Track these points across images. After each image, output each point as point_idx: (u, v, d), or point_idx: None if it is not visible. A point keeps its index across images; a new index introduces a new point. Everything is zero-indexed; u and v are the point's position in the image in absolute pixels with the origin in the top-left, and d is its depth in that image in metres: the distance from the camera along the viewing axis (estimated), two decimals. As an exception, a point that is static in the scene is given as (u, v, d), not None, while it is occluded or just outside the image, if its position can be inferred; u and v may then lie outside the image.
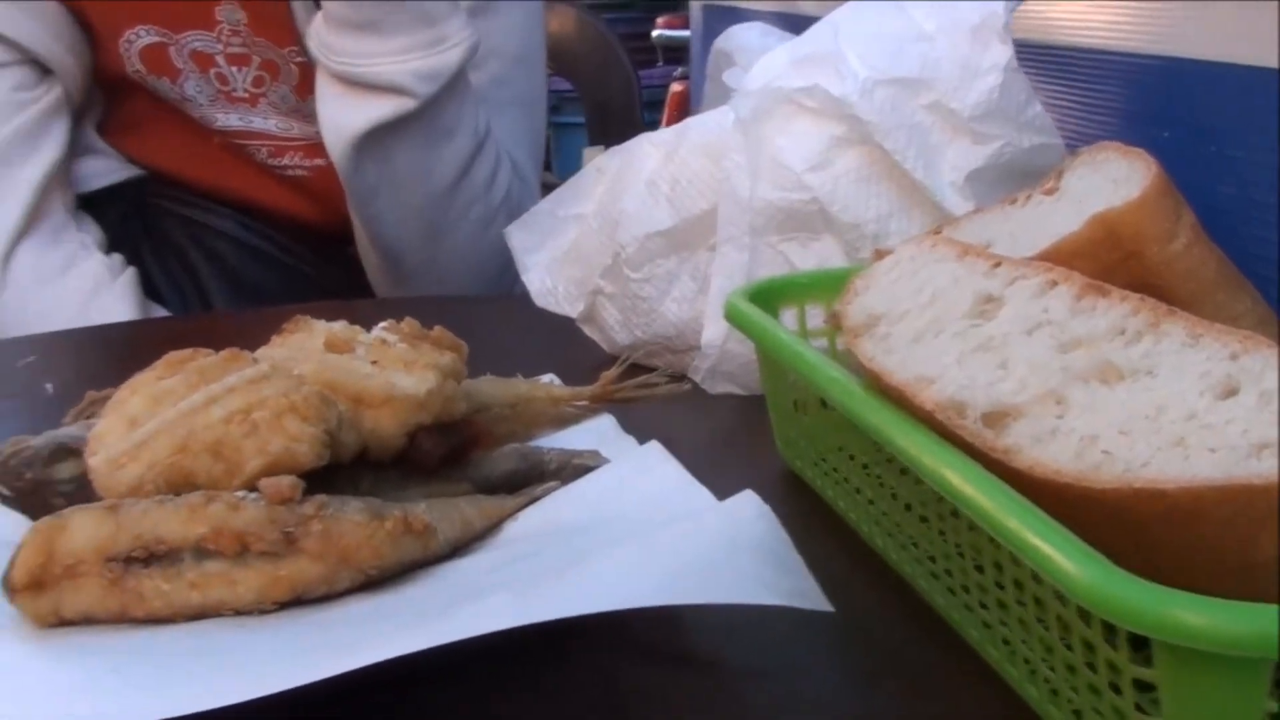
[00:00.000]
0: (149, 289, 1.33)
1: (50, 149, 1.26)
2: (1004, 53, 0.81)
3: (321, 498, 0.57)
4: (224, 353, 0.62)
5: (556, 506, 0.65)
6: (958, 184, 0.81)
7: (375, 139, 1.16)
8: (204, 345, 0.64)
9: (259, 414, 0.59)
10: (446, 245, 1.23)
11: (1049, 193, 0.67)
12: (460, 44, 1.15)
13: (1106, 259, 0.58)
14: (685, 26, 4.48)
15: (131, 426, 0.59)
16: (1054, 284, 0.54)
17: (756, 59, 0.94)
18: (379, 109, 1.14)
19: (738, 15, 3.14)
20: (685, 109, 3.95)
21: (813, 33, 0.91)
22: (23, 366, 0.99)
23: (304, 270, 1.42)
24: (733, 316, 0.74)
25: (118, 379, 0.76)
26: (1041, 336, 0.52)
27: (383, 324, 0.69)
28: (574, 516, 0.62)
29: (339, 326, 0.68)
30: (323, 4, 1.16)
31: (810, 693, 0.55)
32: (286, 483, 0.57)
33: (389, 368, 0.65)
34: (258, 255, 1.41)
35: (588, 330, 0.98)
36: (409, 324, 0.69)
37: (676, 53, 5.14)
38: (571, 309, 0.98)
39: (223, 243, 1.40)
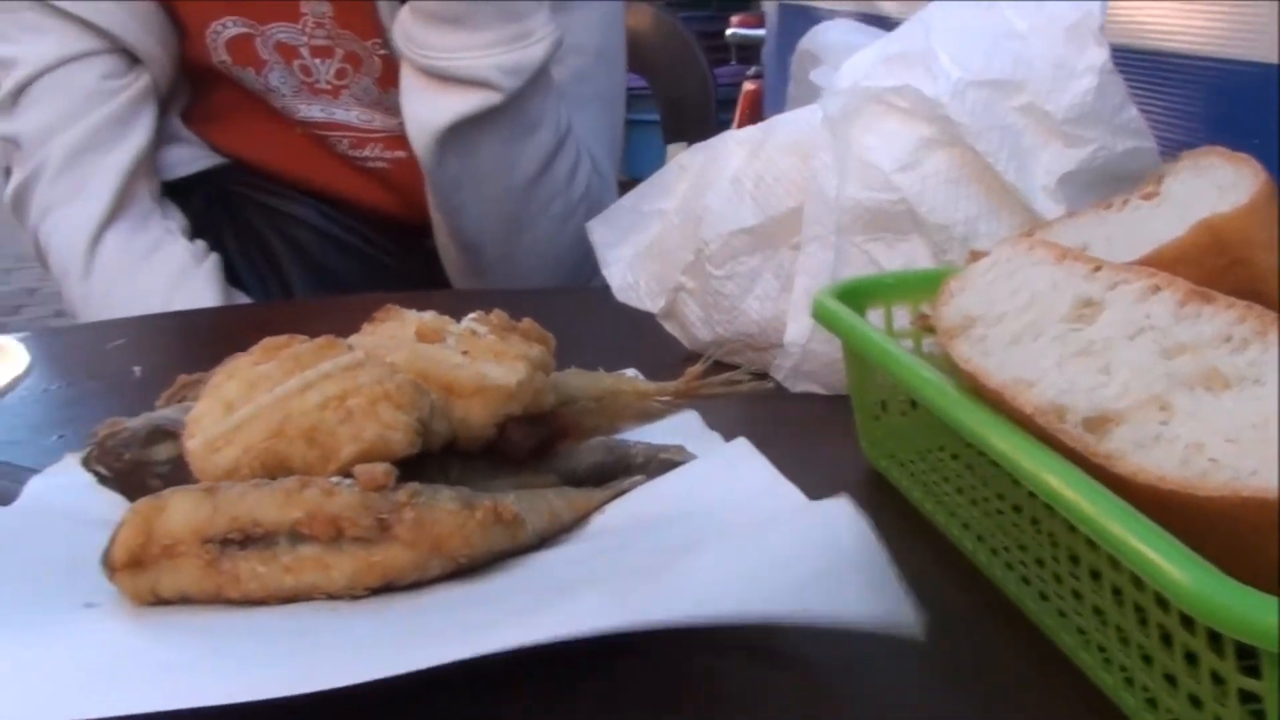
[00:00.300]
0: (231, 276, 1.34)
1: (137, 136, 1.28)
2: (1099, 54, 0.81)
3: (414, 485, 0.58)
4: (319, 340, 0.62)
5: (643, 501, 0.65)
6: (1049, 187, 0.80)
7: (459, 133, 1.16)
8: (287, 331, 0.65)
9: (353, 401, 0.59)
10: (526, 239, 1.24)
11: (1148, 197, 0.66)
12: (544, 39, 1.16)
13: (1211, 265, 0.57)
14: (759, 26, 4.49)
15: (228, 410, 0.60)
16: (1157, 289, 0.53)
17: (844, 57, 0.94)
18: (464, 103, 1.15)
19: (813, 15, 3.14)
20: (758, 108, 3.94)
21: (903, 31, 0.90)
22: (112, 349, 1.00)
23: (383, 260, 1.43)
24: (821, 315, 0.73)
25: (204, 363, 0.77)
26: (1144, 342, 0.52)
27: (472, 315, 0.70)
28: (661, 511, 0.62)
29: (429, 316, 0.69)
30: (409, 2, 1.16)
31: (894, 694, 0.54)
32: (381, 469, 0.57)
33: (480, 358, 0.66)
34: (338, 244, 1.42)
35: (668, 326, 0.98)
36: (498, 315, 0.69)
37: (748, 52, 5.15)
38: (652, 304, 0.98)
39: (303, 231, 1.41)
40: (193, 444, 0.59)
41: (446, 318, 0.69)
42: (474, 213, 1.23)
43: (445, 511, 0.57)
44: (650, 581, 0.50)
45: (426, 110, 1.17)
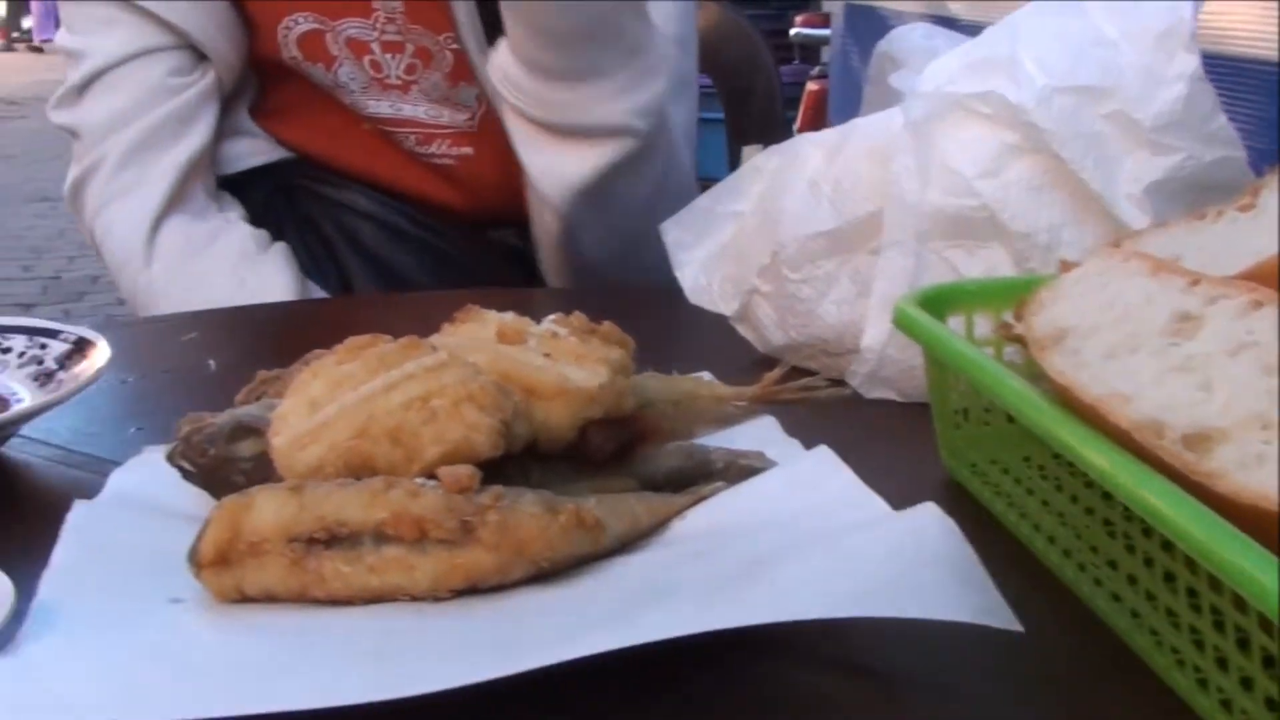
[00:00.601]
0: None
1: (198, 134, 1.28)
2: (1190, 61, 0.79)
3: (498, 489, 0.58)
4: (403, 340, 0.62)
5: (724, 507, 0.64)
6: (1135, 196, 0.79)
7: (598, 181, 1.15)
8: (358, 326, 0.65)
9: (437, 402, 0.59)
10: (642, 251, 1.23)
11: (1244, 209, 0.65)
12: (663, 60, 1.14)
13: (1312, 281, 0.56)
14: (824, 25, 4.47)
15: (313, 409, 0.60)
16: (1259, 304, 0.52)
17: (924, 61, 0.93)
18: (602, 155, 1.13)
19: (879, 15, 3.13)
20: (822, 107, 3.93)
21: (987, 36, 0.89)
22: (185, 342, 1.01)
23: (448, 254, 1.43)
24: (902, 322, 0.73)
25: (278, 358, 0.78)
26: (1247, 359, 0.51)
27: (552, 317, 0.70)
28: (743, 519, 0.62)
29: (510, 317, 0.69)
30: (519, 55, 1.13)
31: (972, 706, 0.54)
32: (465, 472, 0.57)
33: (561, 360, 0.65)
34: (400, 238, 1.42)
35: (741, 329, 0.97)
36: (578, 318, 0.69)
37: (811, 51, 5.13)
38: (726, 307, 0.98)
39: (367, 225, 1.41)
40: (278, 441, 0.60)
41: (527, 319, 0.69)
42: (596, 237, 1.23)
43: (528, 515, 0.57)
44: (738, 588, 0.50)
45: (560, 166, 1.16)
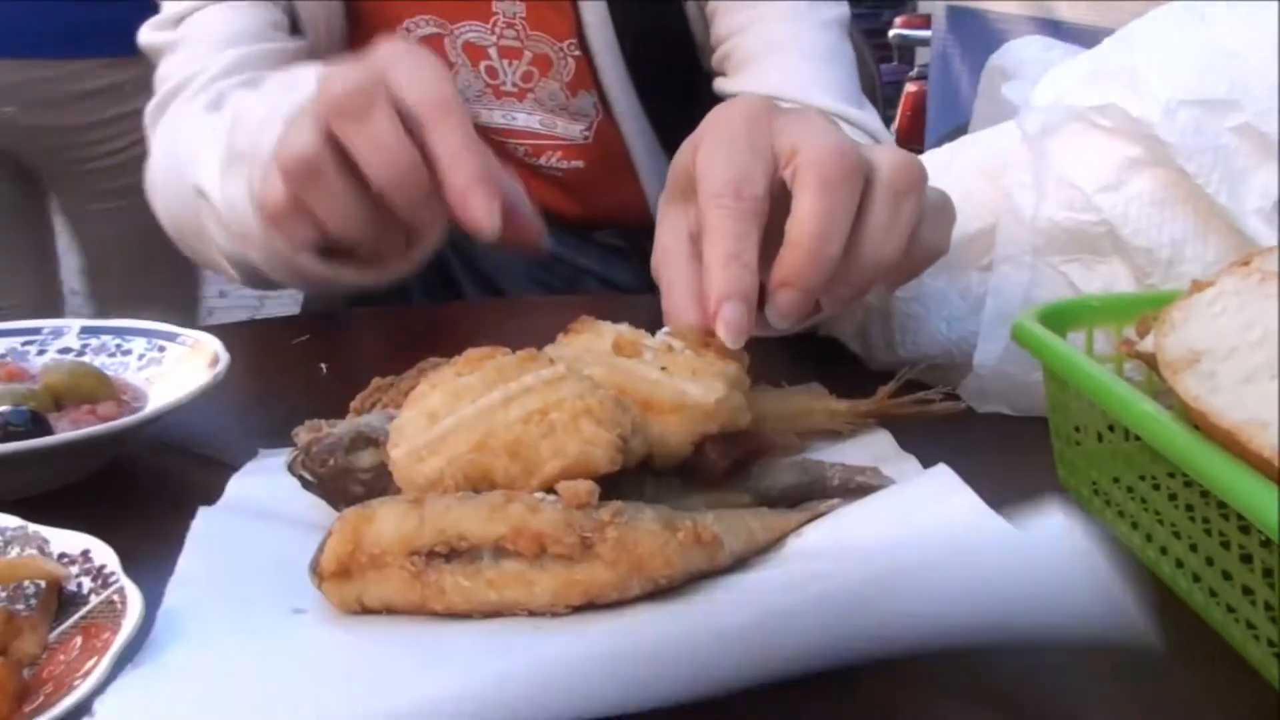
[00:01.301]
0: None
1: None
2: (1321, 74, 0.77)
3: (617, 504, 0.57)
4: (521, 353, 0.62)
5: (842, 525, 0.64)
6: (1264, 211, 0.77)
7: None
8: (467, 333, 0.65)
9: (555, 415, 0.59)
10: None
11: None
12: None
13: None
14: (923, 26, 4.43)
15: (431, 421, 0.60)
16: (1405, 330, 0.51)
17: (1039, 73, 0.91)
18: None
19: (982, 17, 3.09)
20: (921, 109, 3.90)
21: (1106, 47, 0.88)
22: (297, 345, 1.02)
23: (552, 256, 1.43)
24: (1022, 338, 0.71)
25: (389, 362, 0.79)
26: (1393, 387, 0.49)
27: (666, 329, 0.69)
28: (864, 539, 0.61)
29: (625, 329, 0.69)
30: None
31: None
32: (584, 487, 0.57)
33: (677, 374, 0.65)
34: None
35: (851, 345, 0.96)
36: (692, 331, 0.68)
37: (908, 52, 5.09)
38: (837, 325, 0.97)
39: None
40: (397, 453, 0.60)
41: (642, 331, 0.69)
42: None
43: (647, 532, 0.57)
44: (868, 615, 0.49)
45: None
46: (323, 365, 0.98)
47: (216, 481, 0.74)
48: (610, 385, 0.63)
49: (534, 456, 0.59)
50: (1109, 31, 0.90)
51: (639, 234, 1.43)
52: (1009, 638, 0.47)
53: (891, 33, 4.77)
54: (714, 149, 0.68)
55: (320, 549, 0.57)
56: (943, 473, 0.65)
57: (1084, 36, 1.03)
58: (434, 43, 1.27)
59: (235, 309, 4.87)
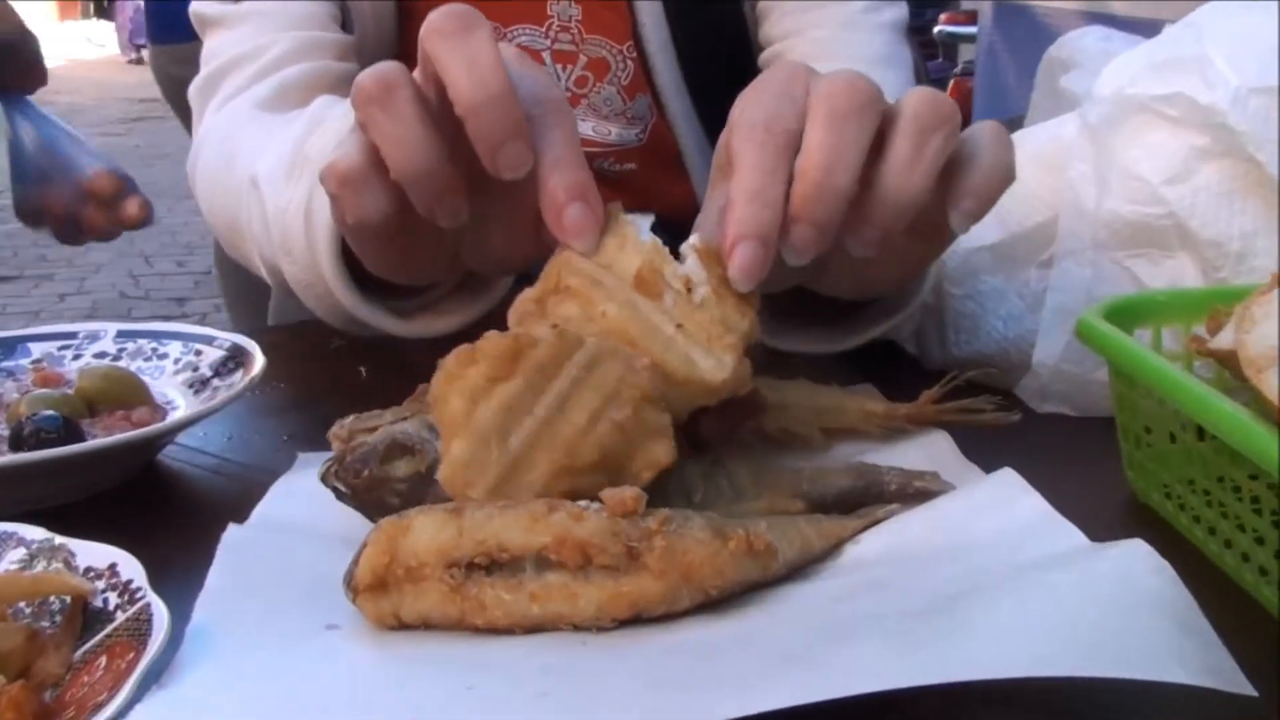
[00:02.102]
0: None
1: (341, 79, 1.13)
2: (1397, 58, 0.74)
3: (665, 512, 0.55)
4: (550, 339, 0.57)
5: (901, 532, 0.61)
6: (1340, 203, 0.74)
7: None
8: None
9: (618, 413, 0.56)
10: None
11: None
12: None
13: None
14: (969, 23, 4.38)
15: (486, 444, 0.56)
16: None
17: (1101, 64, 0.88)
18: None
19: (1031, 13, 3.04)
20: (967, 106, 3.84)
21: (1171, 35, 0.84)
22: (337, 348, 1.00)
23: None
24: (1087, 335, 0.68)
25: (428, 362, 0.76)
26: None
27: (691, 259, 0.64)
28: (925, 547, 0.58)
29: (651, 248, 0.63)
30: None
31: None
32: (631, 495, 0.54)
33: (691, 336, 0.61)
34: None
35: (906, 345, 0.93)
36: (716, 259, 0.64)
37: (950, 49, 5.04)
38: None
39: None
40: (476, 494, 0.56)
41: (666, 254, 0.64)
42: None
43: (696, 541, 0.54)
44: (935, 633, 0.46)
45: None
46: (362, 369, 0.96)
47: (251, 489, 0.72)
48: (621, 335, 0.59)
49: (624, 466, 0.56)
50: (1161, 25, 0.87)
51: (687, 233, 1.40)
52: (1084, 672, 0.43)
53: (936, 29, 4.72)
54: (748, 98, 0.66)
55: (355, 561, 0.54)
56: (1008, 476, 0.62)
57: (1137, 30, 0.99)
58: None
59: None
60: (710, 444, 0.65)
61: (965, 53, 4.93)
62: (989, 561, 0.54)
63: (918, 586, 0.53)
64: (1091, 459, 0.76)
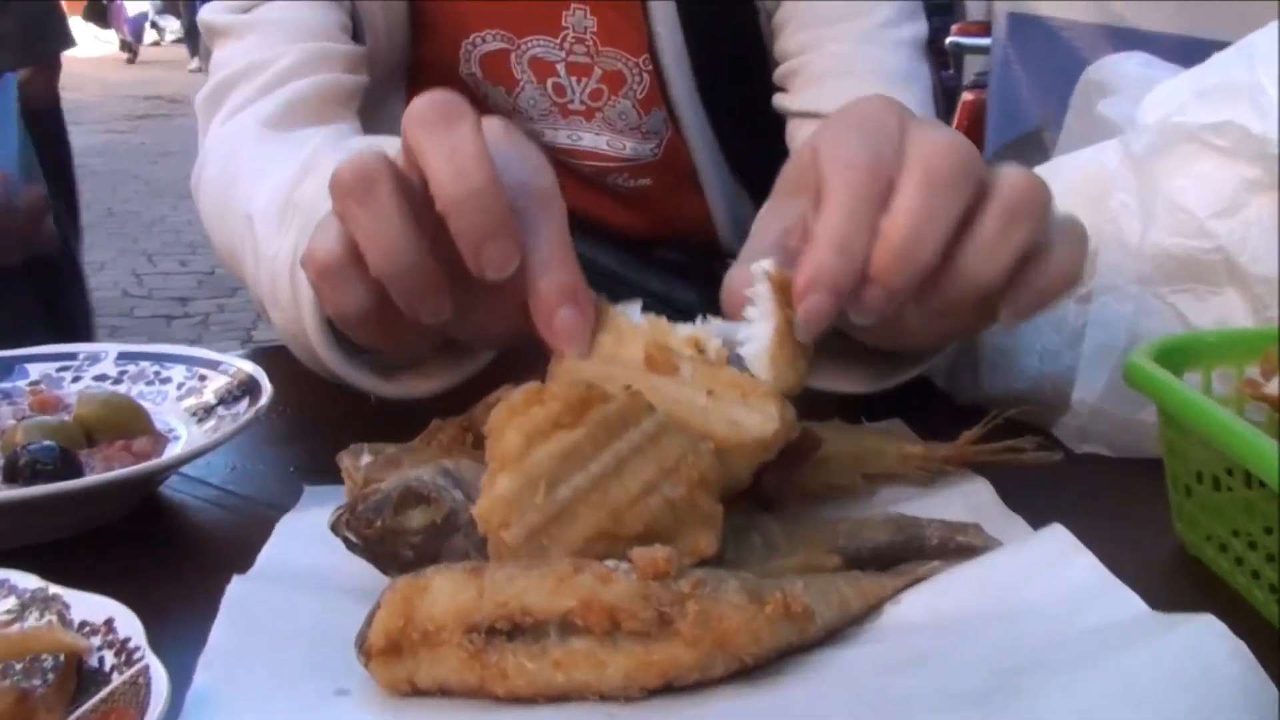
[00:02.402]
0: None
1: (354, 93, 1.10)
2: None
3: (698, 574, 0.51)
4: (623, 398, 0.55)
5: (946, 593, 0.57)
6: (1399, 240, 0.71)
7: None
8: (520, 361, 0.62)
9: (673, 491, 0.54)
10: None
11: None
12: None
13: None
14: (980, 34, 4.33)
15: (535, 488, 0.53)
16: None
17: (1143, 90, 0.85)
18: None
19: (1047, 25, 3.01)
20: (979, 119, 3.81)
21: (1221, 61, 0.81)
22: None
23: (612, 272, 1.37)
24: (1136, 379, 0.65)
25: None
26: None
27: (767, 267, 0.61)
28: (972, 611, 0.55)
29: (647, 327, 0.62)
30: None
31: None
32: (662, 556, 0.51)
33: (725, 398, 0.58)
34: None
35: (938, 380, 0.90)
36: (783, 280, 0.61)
37: (959, 60, 4.99)
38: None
39: None
40: (510, 535, 0.53)
41: (666, 328, 0.62)
42: None
43: (732, 605, 0.51)
44: (987, 714, 0.43)
45: None
46: (371, 395, 0.93)
47: (256, 526, 0.69)
48: None
49: (664, 544, 0.53)
50: (1182, 39, 0.84)
51: (701, 252, 1.38)
52: None
53: (948, 40, 4.67)
54: (842, 129, 0.63)
55: (367, 623, 0.51)
56: (1058, 534, 0.58)
57: (1156, 43, 0.96)
58: (499, 58, 1.20)
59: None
60: (776, 498, 0.63)
61: (972, 64, 4.89)
62: (1044, 632, 0.51)
63: (969, 660, 0.50)
64: (1135, 504, 0.73)
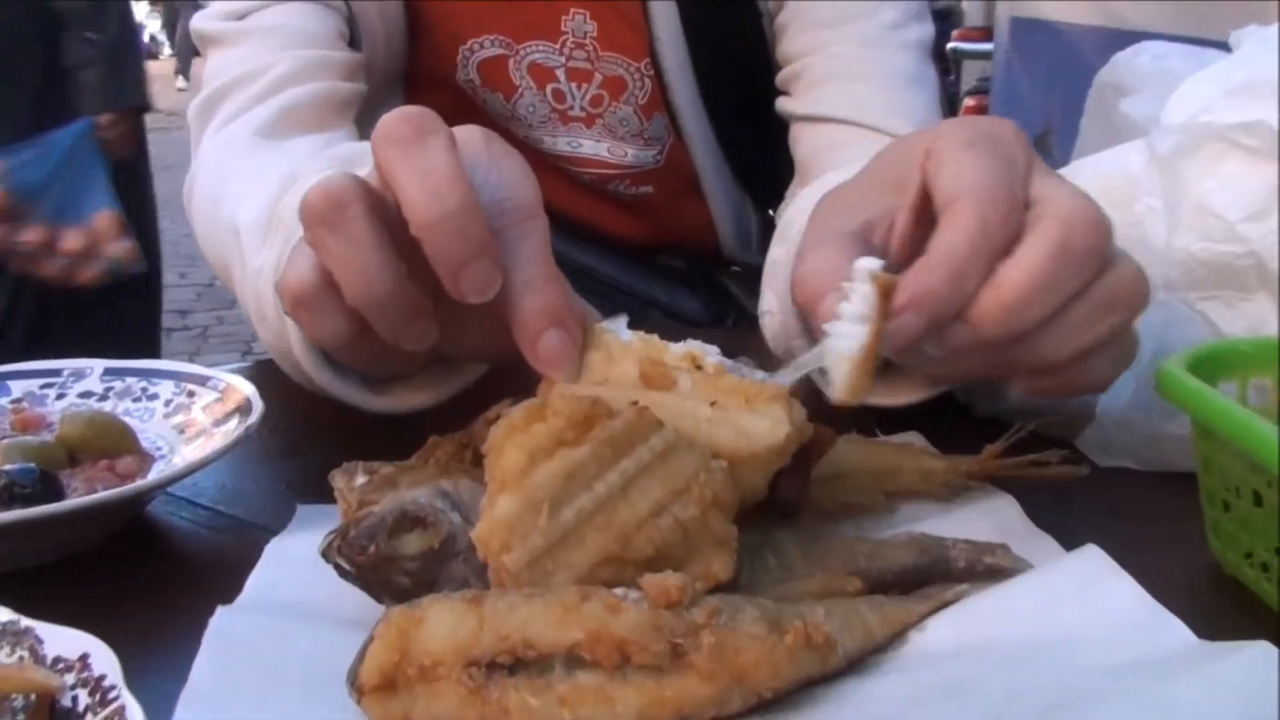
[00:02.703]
0: None
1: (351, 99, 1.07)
2: None
3: (713, 602, 0.48)
4: (630, 414, 0.52)
5: (973, 618, 0.54)
6: None
7: None
8: (519, 375, 0.59)
9: (683, 512, 0.51)
10: None
11: None
12: None
13: None
14: (982, 39, 4.31)
15: (537, 509, 0.49)
16: None
17: (1166, 87, 0.82)
18: None
19: (1051, 29, 2.99)
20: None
21: (1248, 58, 0.78)
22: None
23: (613, 280, 1.34)
24: (1169, 389, 0.62)
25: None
26: None
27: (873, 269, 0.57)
28: (1003, 638, 0.52)
29: (638, 345, 0.59)
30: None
31: None
32: (674, 583, 0.48)
33: (730, 406, 0.55)
34: (561, 264, 1.31)
35: (959, 394, 0.87)
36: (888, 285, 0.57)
37: (958, 65, 4.98)
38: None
39: None
40: (511, 560, 0.49)
41: (657, 344, 0.59)
42: None
43: (750, 636, 0.48)
44: None
45: None
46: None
47: (247, 548, 0.65)
48: None
49: (675, 568, 0.50)
50: (1189, 40, 0.81)
51: (703, 259, 1.35)
52: None
53: (950, 46, 4.66)
54: (973, 150, 0.59)
55: (360, 657, 0.47)
56: (1093, 555, 0.55)
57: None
58: (498, 64, 1.18)
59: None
60: (796, 505, 0.60)
61: (971, 69, 4.88)
62: (1084, 663, 0.48)
63: (1003, 692, 0.47)
64: (1166, 521, 0.70)
